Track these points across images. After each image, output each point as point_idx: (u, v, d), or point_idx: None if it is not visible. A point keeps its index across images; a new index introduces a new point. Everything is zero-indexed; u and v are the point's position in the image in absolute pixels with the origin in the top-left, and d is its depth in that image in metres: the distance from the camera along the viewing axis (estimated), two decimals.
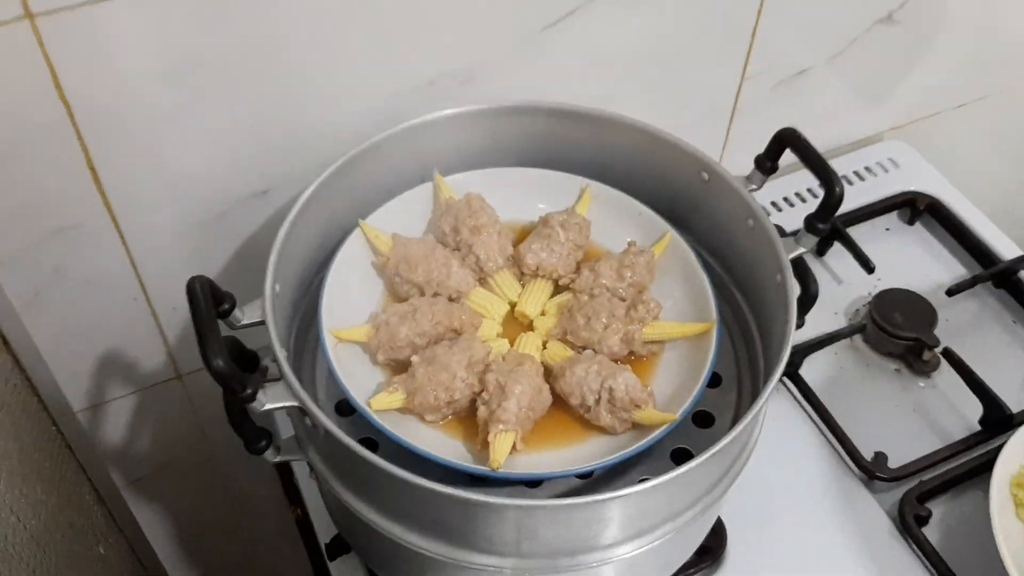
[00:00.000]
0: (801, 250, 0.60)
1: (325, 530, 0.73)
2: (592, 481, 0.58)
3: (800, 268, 0.61)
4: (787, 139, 0.61)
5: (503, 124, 0.69)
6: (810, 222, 0.59)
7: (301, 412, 0.53)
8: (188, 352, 0.80)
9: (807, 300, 0.62)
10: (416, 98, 0.71)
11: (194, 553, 1.00)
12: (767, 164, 0.63)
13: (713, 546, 0.71)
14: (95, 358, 0.76)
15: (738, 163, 0.95)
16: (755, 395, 0.63)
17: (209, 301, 0.51)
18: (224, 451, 0.91)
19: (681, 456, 0.60)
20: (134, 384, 0.81)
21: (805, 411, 0.81)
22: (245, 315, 0.56)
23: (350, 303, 0.63)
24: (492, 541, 0.53)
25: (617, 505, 0.50)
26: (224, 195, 0.70)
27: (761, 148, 0.90)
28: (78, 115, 0.61)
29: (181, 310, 0.77)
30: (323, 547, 0.72)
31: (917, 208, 0.96)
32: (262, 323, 0.56)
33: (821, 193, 0.59)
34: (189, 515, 0.96)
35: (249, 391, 0.51)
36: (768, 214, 0.89)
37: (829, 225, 0.59)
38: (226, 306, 0.55)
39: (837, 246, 0.92)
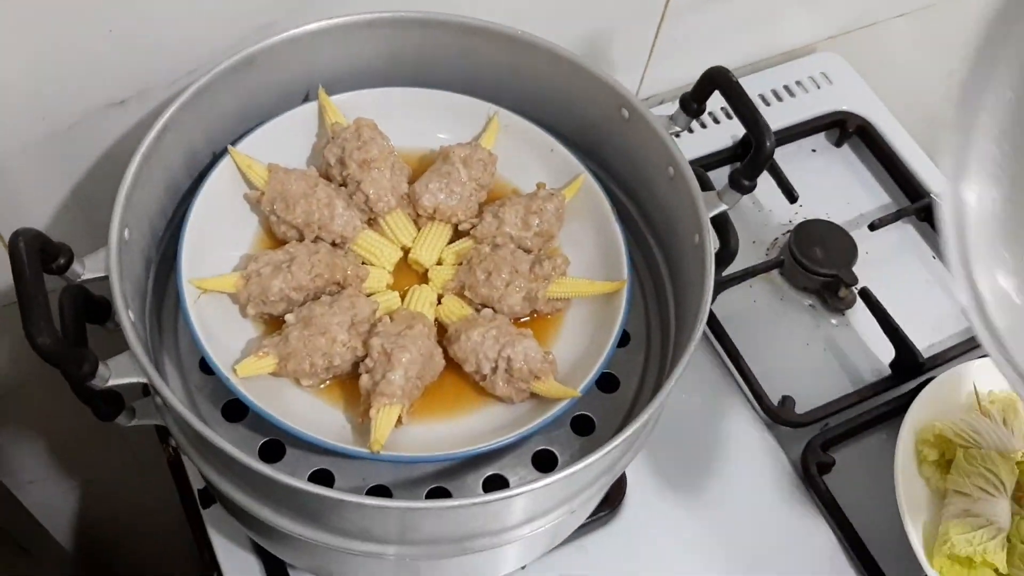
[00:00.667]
0: (723, 207, 0.55)
1: (199, 476, 0.67)
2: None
3: (721, 223, 0.56)
4: (717, 80, 0.54)
5: (402, 37, 0.60)
6: (735, 178, 0.54)
7: (152, 390, 0.46)
8: None
9: (726, 255, 0.57)
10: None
11: (68, 467, 0.94)
12: (693, 106, 0.56)
13: (611, 493, 0.69)
14: None
15: (663, 74, 0.89)
16: (664, 357, 0.58)
17: (36, 263, 0.44)
18: None
19: (583, 423, 0.56)
20: None
21: (715, 349, 0.78)
22: (87, 268, 0.49)
23: (218, 243, 0.56)
24: (373, 533, 0.48)
25: (504, 504, 0.46)
26: (72, 106, 0.60)
27: (689, 58, 0.83)
28: None
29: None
30: (196, 493, 0.67)
31: (846, 130, 0.91)
32: (105, 279, 0.48)
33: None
34: (57, 431, 0.89)
35: (87, 368, 0.44)
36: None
37: (755, 183, 0.53)
38: (61, 261, 0.47)
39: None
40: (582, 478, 0.50)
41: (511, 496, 0.44)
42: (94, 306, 0.52)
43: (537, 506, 0.49)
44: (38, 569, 0.94)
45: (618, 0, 0.78)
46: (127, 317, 0.46)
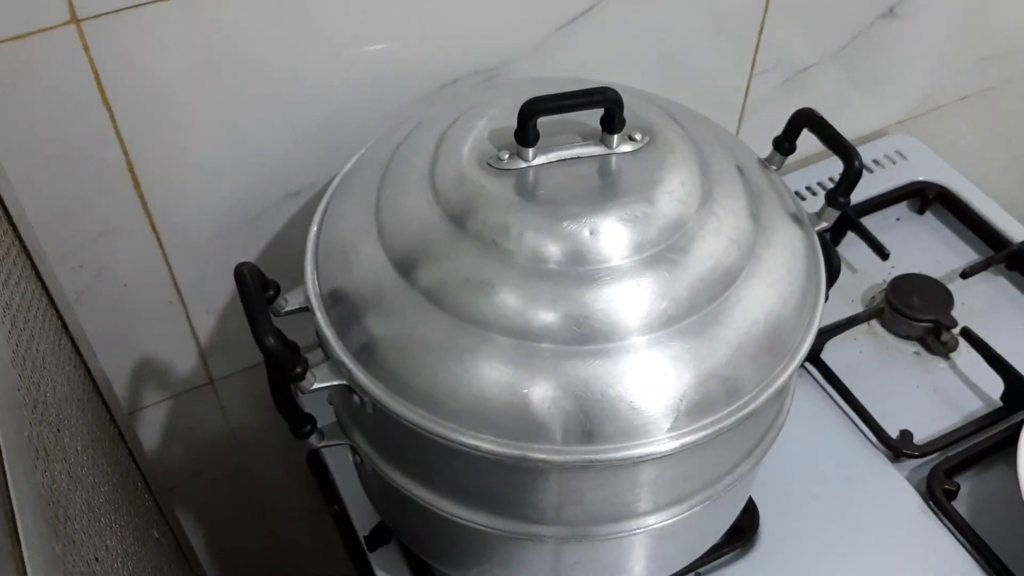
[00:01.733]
0: (824, 224, 0.62)
1: (363, 523, 0.74)
2: None
3: (823, 243, 0.63)
4: (804, 119, 0.63)
5: None
6: (832, 196, 0.61)
7: (348, 390, 0.54)
8: (220, 357, 0.82)
9: (830, 274, 0.63)
10: (441, 97, 0.73)
11: (227, 563, 1.01)
12: (785, 145, 0.65)
13: (745, 526, 0.73)
14: (131, 363, 0.78)
15: None
16: None
17: (257, 284, 0.53)
18: (255, 459, 0.93)
19: None
20: (168, 390, 0.82)
21: (828, 394, 0.82)
22: (289, 302, 0.58)
23: None
24: (536, 508, 0.54)
25: (651, 467, 0.52)
26: (259, 197, 0.72)
27: (770, 143, 0.93)
28: (120, 120, 0.63)
29: (214, 313, 0.78)
30: (362, 540, 0.73)
31: (927, 197, 0.98)
32: (306, 309, 0.57)
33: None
34: (221, 525, 0.97)
35: (299, 370, 0.52)
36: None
37: (849, 199, 0.61)
38: (271, 292, 0.56)
39: (851, 236, 0.94)
40: (720, 459, 0.56)
41: (657, 454, 0.50)
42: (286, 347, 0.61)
43: (679, 486, 0.55)
44: None
45: (702, 98, 0.89)
46: (329, 331, 0.55)
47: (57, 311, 0.65)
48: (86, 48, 0.59)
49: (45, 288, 0.64)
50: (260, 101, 0.67)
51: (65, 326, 0.64)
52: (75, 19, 0.57)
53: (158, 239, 0.71)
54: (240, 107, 0.67)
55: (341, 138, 0.71)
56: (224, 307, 0.78)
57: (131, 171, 0.66)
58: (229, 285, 0.77)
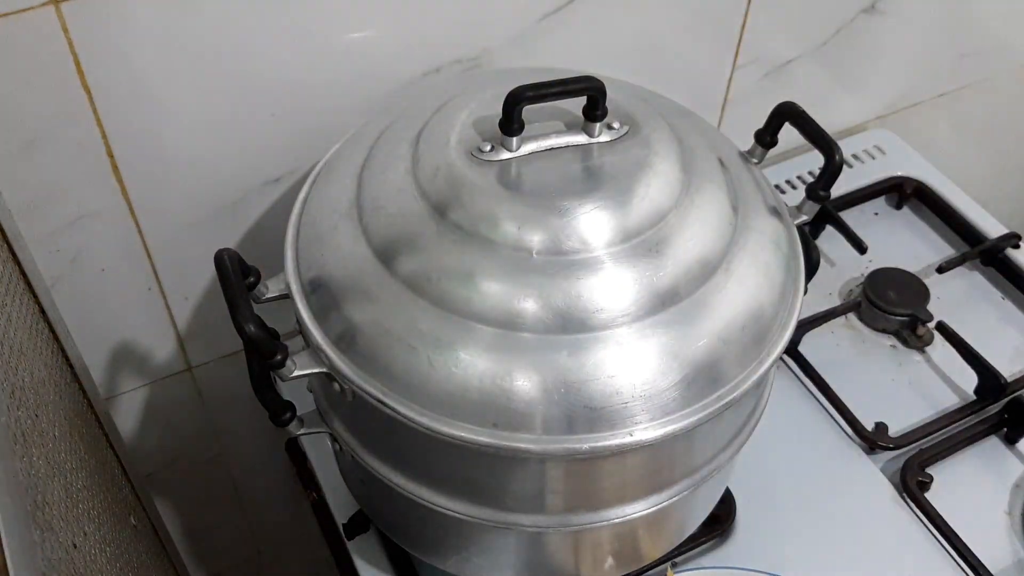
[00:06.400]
0: (804, 218, 0.63)
1: (342, 511, 0.74)
2: None
3: (802, 236, 0.63)
4: (786, 112, 0.63)
5: None
6: (812, 189, 0.62)
7: (329, 378, 0.54)
8: (199, 344, 0.82)
9: (810, 267, 0.64)
10: (422, 86, 0.73)
11: (203, 550, 1.00)
12: (767, 138, 0.65)
13: (722, 516, 0.73)
14: (109, 349, 0.77)
15: None
16: None
17: (238, 271, 0.53)
18: (233, 447, 0.92)
19: None
20: (146, 376, 0.81)
21: (805, 386, 0.83)
22: (269, 289, 0.58)
23: None
24: (515, 497, 0.54)
25: (630, 456, 0.52)
26: (238, 183, 0.72)
27: (751, 137, 0.94)
28: (99, 103, 0.62)
29: (193, 300, 0.78)
30: (341, 528, 0.73)
31: (904, 192, 0.99)
32: (286, 296, 0.57)
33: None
34: (198, 512, 0.96)
35: (279, 357, 0.52)
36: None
37: (830, 193, 0.61)
38: (251, 279, 0.56)
39: (829, 229, 0.94)
40: (702, 447, 0.56)
41: (642, 441, 0.50)
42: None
43: (663, 473, 0.55)
44: None
45: (683, 89, 0.89)
46: (309, 318, 0.54)
47: (35, 295, 0.64)
48: (65, 29, 0.58)
49: (23, 272, 0.63)
50: (240, 87, 0.66)
51: (43, 311, 0.64)
52: (55, 0, 0.57)
53: (137, 224, 0.70)
54: (220, 92, 0.66)
55: (321, 125, 0.71)
56: (203, 294, 0.77)
57: (110, 155, 0.65)
58: (209, 271, 0.77)
